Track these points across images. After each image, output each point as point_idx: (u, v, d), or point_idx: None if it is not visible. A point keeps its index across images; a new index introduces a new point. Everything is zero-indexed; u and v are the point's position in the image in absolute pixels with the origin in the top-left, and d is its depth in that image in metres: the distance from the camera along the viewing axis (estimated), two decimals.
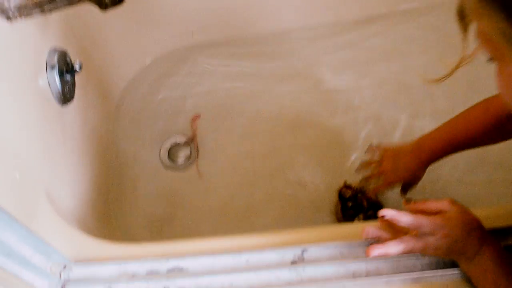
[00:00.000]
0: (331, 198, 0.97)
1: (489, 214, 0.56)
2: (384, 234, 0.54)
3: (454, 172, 0.97)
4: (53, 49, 0.71)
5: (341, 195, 0.94)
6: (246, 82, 1.17)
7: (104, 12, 0.62)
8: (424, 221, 0.49)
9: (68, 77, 0.73)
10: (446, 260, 0.54)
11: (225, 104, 1.14)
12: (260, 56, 1.21)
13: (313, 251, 0.56)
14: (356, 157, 1.03)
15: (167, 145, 1.09)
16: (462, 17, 0.39)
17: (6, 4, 0.55)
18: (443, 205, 0.51)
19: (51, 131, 0.69)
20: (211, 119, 1.12)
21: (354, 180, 0.94)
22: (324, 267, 0.55)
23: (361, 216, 0.89)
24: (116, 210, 0.97)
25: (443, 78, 0.46)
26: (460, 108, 0.71)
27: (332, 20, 1.23)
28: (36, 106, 0.64)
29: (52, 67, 0.69)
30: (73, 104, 0.77)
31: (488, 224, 0.52)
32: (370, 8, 1.22)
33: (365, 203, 0.90)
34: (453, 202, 0.51)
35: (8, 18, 0.57)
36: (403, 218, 0.49)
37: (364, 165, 0.88)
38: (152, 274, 0.55)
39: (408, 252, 0.51)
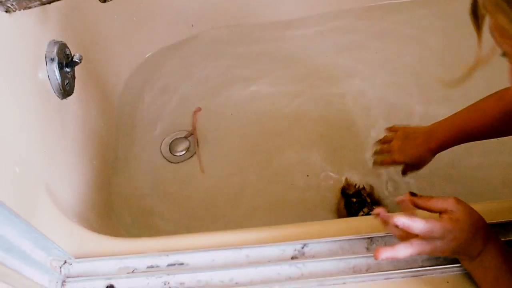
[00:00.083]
0: (333, 195, 0.97)
1: (490, 209, 0.56)
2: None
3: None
4: (53, 41, 0.71)
5: (344, 192, 0.94)
6: (247, 74, 1.17)
7: (103, 3, 0.62)
8: (435, 228, 0.49)
9: (67, 70, 0.72)
10: (446, 256, 0.54)
11: (226, 97, 1.14)
12: (261, 47, 1.21)
13: (314, 246, 0.56)
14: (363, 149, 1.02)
15: (168, 139, 1.09)
16: (476, 17, 0.39)
17: None
18: (448, 204, 0.51)
19: (50, 125, 0.68)
20: (212, 112, 1.12)
21: (356, 178, 0.94)
22: (325, 262, 0.55)
23: (365, 210, 0.90)
24: (117, 205, 0.96)
25: (459, 81, 0.46)
26: (473, 95, 0.72)
27: (342, 8, 1.23)
28: (36, 99, 0.64)
29: (52, 60, 0.68)
30: (73, 97, 0.76)
31: (489, 218, 0.52)
32: None
33: (368, 199, 0.90)
34: (459, 201, 0.51)
35: (7, 10, 0.57)
36: (415, 225, 0.49)
37: (379, 141, 0.90)
38: (152, 269, 0.55)
39: (416, 255, 0.51)
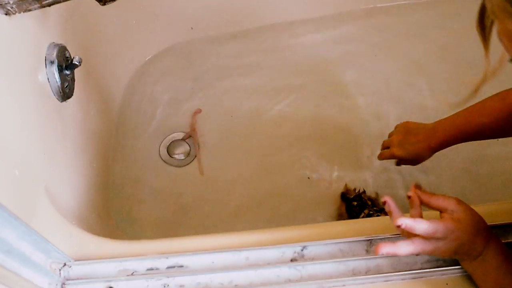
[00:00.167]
0: (333, 198, 0.97)
1: (491, 211, 0.56)
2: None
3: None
4: (52, 44, 0.71)
5: (345, 197, 0.94)
6: (246, 77, 1.17)
7: (103, 5, 0.62)
8: (438, 228, 0.49)
9: (67, 72, 0.72)
10: (446, 258, 0.54)
11: (225, 99, 1.14)
12: (261, 49, 1.21)
13: (313, 249, 0.56)
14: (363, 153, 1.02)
15: (167, 141, 1.09)
16: (483, 28, 0.39)
17: None
18: (449, 204, 0.51)
19: (50, 127, 0.68)
20: (211, 114, 1.12)
21: (356, 182, 0.94)
22: (324, 264, 0.55)
23: (366, 211, 0.90)
24: (116, 208, 0.96)
25: (467, 99, 0.46)
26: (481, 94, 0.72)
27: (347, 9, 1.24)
28: (35, 102, 0.64)
29: (51, 62, 0.68)
30: (73, 100, 0.76)
31: (489, 220, 0.52)
32: None
33: (369, 202, 0.91)
34: (460, 202, 0.51)
35: (7, 13, 0.57)
36: (418, 226, 0.49)
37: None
38: (152, 272, 0.55)
39: (417, 254, 0.51)
